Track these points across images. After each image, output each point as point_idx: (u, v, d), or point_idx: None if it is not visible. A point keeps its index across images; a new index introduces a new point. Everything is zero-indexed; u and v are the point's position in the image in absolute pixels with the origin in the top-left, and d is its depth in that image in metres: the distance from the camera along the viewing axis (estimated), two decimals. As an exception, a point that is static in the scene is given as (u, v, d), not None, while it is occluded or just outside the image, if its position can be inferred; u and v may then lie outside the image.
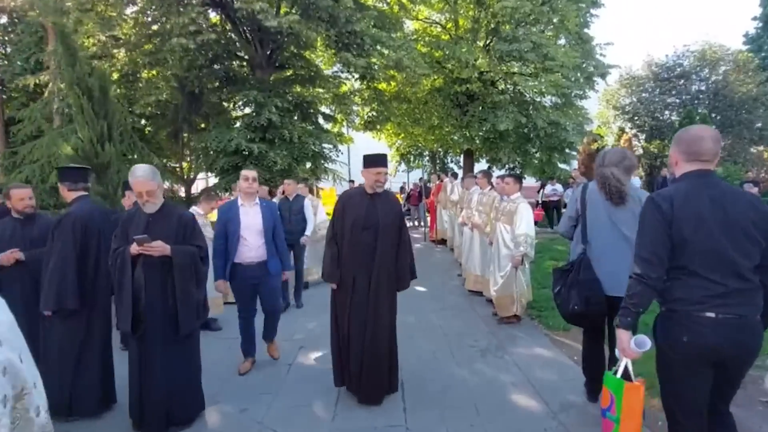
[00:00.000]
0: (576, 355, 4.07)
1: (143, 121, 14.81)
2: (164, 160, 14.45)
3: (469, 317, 5.24)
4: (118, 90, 12.73)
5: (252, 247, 3.74)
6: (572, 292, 2.78)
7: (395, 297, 3.36)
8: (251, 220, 3.77)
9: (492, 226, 5.30)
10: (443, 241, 10.40)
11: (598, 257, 2.82)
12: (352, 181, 16.31)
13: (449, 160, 21.20)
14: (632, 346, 1.98)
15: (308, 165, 17.19)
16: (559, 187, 12.38)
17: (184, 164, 13.94)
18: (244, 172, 3.83)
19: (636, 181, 12.02)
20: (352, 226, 3.24)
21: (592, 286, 2.73)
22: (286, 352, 4.20)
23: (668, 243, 1.87)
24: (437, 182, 10.85)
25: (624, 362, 2.07)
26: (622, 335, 1.98)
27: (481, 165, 19.10)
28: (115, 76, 12.67)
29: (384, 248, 3.23)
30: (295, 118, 13.14)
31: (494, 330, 4.75)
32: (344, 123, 17.27)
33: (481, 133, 14.59)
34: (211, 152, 11.64)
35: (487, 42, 15.42)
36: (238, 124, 11.94)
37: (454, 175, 9.81)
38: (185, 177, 16.50)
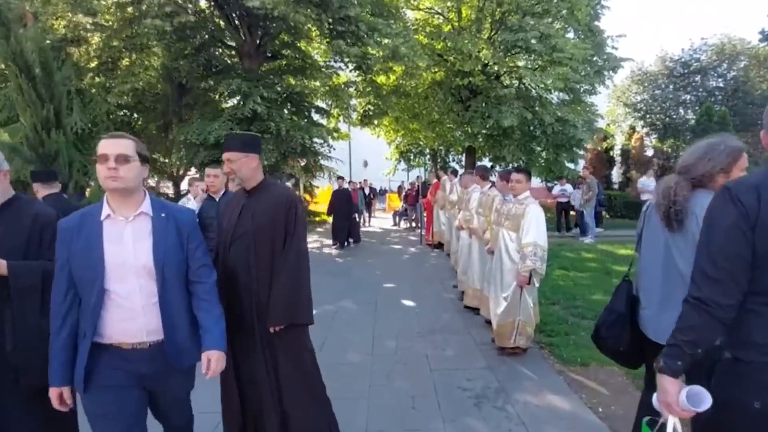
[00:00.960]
0: (601, 405, 3.06)
1: (134, 114, 13.98)
2: (153, 155, 13.53)
3: (463, 344, 4.23)
4: (96, 78, 11.84)
5: (134, 310, 1.68)
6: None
7: (295, 341, 2.19)
8: (128, 249, 1.69)
9: (492, 232, 4.29)
10: (440, 245, 9.39)
11: (647, 288, 1.96)
12: (340, 179, 15.24)
13: (451, 159, 20.20)
14: (682, 400, 1.31)
15: (302, 162, 16.31)
16: (568, 187, 11.33)
17: (175, 159, 12.98)
18: (102, 143, 1.67)
19: (647, 182, 10.92)
20: (223, 237, 2.24)
21: (607, 318, 2.03)
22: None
23: (748, 254, 1.25)
24: (435, 180, 9.85)
25: (671, 422, 1.39)
26: (667, 385, 1.33)
27: (483, 164, 18.07)
28: (94, 63, 11.79)
29: (263, 267, 2.15)
30: (285, 111, 12.19)
31: (493, 364, 3.73)
32: (340, 118, 16.32)
33: (484, 130, 13.57)
34: (195, 145, 10.69)
35: (492, 33, 14.39)
36: (223, 116, 10.97)
37: (454, 173, 8.81)
38: (175, 173, 15.58)
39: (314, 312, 2.24)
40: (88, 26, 10.26)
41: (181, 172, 14.90)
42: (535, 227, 3.56)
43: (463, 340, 4.34)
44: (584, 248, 9.12)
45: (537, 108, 13.93)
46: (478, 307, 5.05)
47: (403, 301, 5.63)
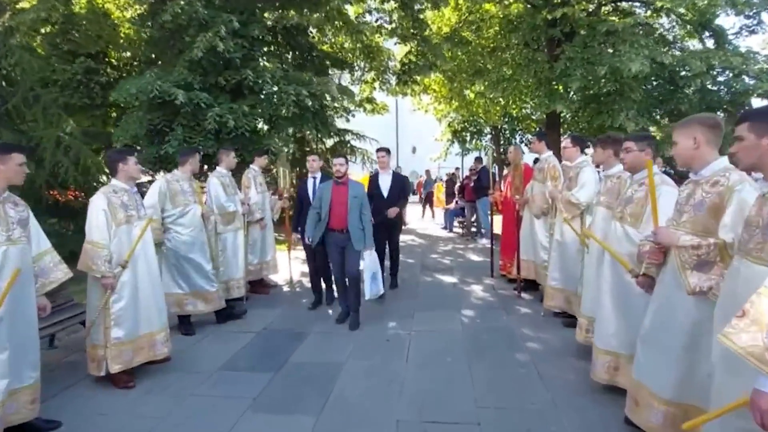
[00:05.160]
0: None
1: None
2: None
3: None
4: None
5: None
6: None
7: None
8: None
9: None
10: (533, 285, 4.64)
11: None
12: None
13: (518, 139, 15.01)
14: None
15: (328, 142, 12.02)
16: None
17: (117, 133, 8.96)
18: None
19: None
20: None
21: None
22: None
23: None
24: (516, 163, 4.95)
25: None
26: None
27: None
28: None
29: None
30: (282, 60, 7.81)
31: None
32: (376, 84, 11.74)
33: (587, 85, 8.32)
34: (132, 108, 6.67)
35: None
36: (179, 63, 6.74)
37: (580, 142, 3.88)
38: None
39: None
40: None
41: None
42: None
43: None
44: None
45: (676, 51, 8.51)
46: None
47: None
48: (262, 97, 6.72)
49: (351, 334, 3.59)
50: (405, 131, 29.81)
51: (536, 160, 6.21)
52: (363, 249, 3.72)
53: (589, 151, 4.23)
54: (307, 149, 12.89)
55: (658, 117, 9.73)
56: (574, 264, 3.65)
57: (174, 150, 5.73)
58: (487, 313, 4.14)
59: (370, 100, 12.45)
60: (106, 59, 9.91)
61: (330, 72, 9.46)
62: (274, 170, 6.14)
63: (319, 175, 4.55)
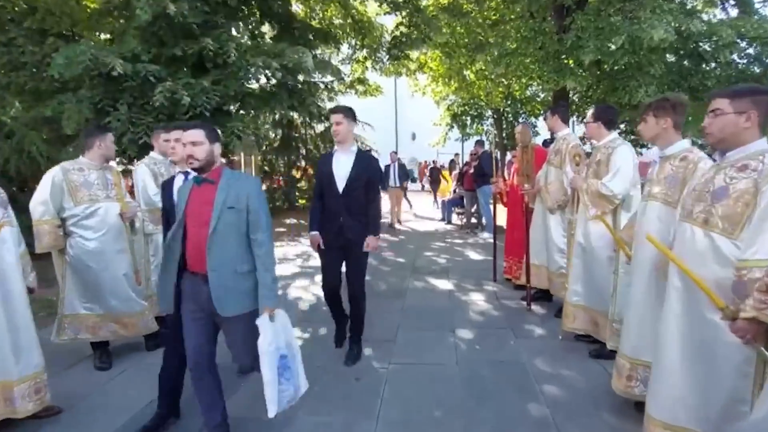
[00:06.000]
0: None
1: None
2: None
3: None
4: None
5: None
6: None
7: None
8: None
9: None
10: (546, 295, 3.75)
11: None
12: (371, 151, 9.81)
13: (522, 120, 13.93)
14: None
15: (316, 124, 11.10)
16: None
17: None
18: None
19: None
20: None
21: None
22: None
23: None
24: (525, 144, 3.99)
25: None
26: None
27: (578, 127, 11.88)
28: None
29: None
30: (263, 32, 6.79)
31: None
32: (368, 62, 10.73)
33: (604, 57, 7.26)
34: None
35: None
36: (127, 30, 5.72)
37: (606, 114, 2.92)
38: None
39: None
40: None
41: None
42: None
43: None
44: None
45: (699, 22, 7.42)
46: None
47: None
48: (229, 71, 5.73)
49: (310, 368, 2.70)
50: (404, 118, 28.84)
51: (545, 142, 5.26)
52: (262, 311, 1.82)
53: (612, 135, 3.29)
54: (296, 135, 11.88)
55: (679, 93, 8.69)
56: (603, 275, 2.75)
57: (120, 132, 4.78)
58: (490, 334, 3.25)
59: (362, 80, 11.41)
60: (82, 39, 8.90)
61: (320, 50, 8.42)
62: (233, 158, 5.21)
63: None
